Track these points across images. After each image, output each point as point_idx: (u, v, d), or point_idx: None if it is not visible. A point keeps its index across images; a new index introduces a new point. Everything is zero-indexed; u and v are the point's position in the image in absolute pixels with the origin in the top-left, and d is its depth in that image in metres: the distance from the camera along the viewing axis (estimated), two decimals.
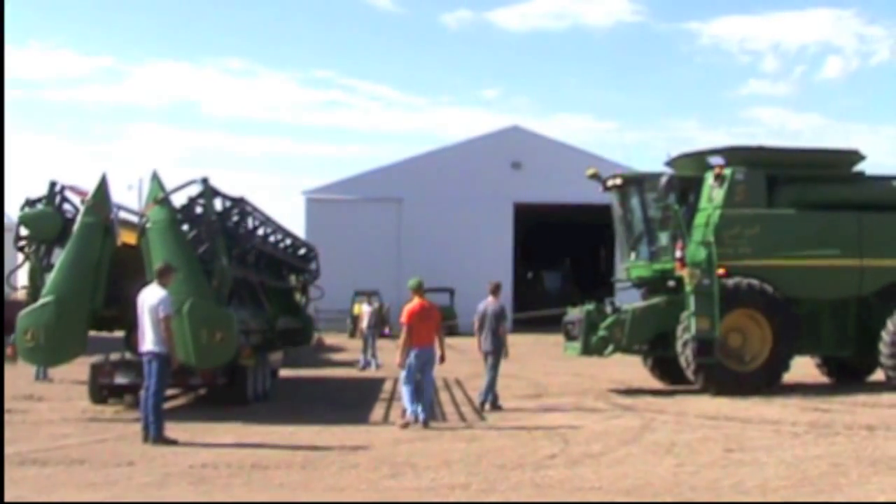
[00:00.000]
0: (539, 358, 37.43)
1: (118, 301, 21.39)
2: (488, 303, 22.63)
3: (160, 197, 20.31)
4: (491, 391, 21.96)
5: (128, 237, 20.75)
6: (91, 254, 19.89)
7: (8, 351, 20.34)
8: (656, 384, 26.53)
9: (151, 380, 16.97)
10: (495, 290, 22.96)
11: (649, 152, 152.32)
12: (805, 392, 23.79)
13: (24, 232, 21.05)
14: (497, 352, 22.26)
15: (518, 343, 41.21)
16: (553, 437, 17.42)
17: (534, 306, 65.76)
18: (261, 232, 26.14)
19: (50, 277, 20.09)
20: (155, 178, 20.67)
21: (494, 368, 22.12)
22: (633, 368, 29.04)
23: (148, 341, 17.08)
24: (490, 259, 59.87)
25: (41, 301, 19.78)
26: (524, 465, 14.57)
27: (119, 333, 23.08)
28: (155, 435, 16.65)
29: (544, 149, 62.10)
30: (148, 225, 20.17)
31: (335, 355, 40.29)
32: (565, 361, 30.69)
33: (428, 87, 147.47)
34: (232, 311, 20.59)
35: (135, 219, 22.89)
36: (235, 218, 22.81)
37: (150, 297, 17.22)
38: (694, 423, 19.25)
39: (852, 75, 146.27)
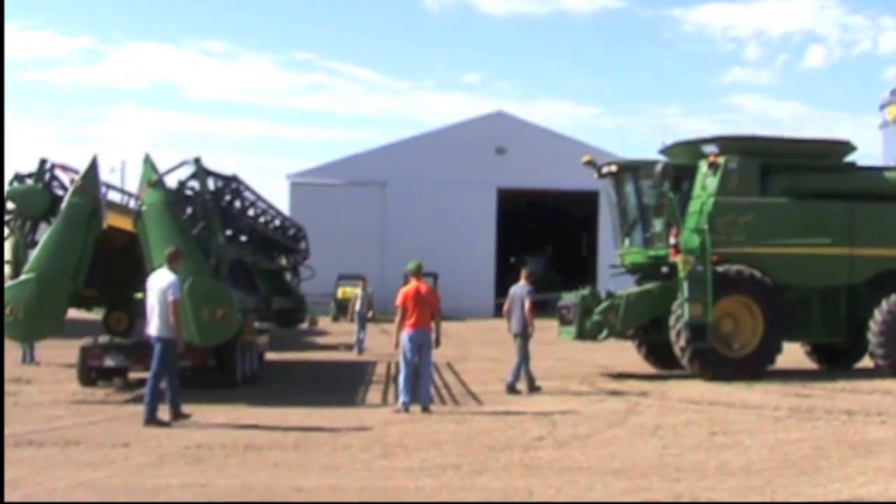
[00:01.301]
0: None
1: (100, 282, 21.65)
2: (518, 286, 23.09)
3: (154, 179, 20.46)
4: (519, 373, 22.40)
5: (114, 220, 20.92)
6: (76, 234, 19.93)
7: None
8: (640, 369, 26.79)
9: (154, 362, 17.21)
10: (528, 275, 23.34)
11: (631, 138, 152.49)
12: (787, 378, 24.05)
13: (10, 206, 21.17)
14: (524, 334, 22.60)
15: (500, 328, 41.45)
16: (540, 419, 17.67)
17: None
18: (252, 211, 26.32)
19: (33, 254, 20.19)
20: (147, 161, 20.81)
21: (522, 350, 22.50)
22: (616, 353, 29.33)
23: (154, 325, 17.24)
24: (473, 244, 60.17)
25: (23, 277, 19.85)
26: (513, 447, 14.81)
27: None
28: (148, 417, 16.85)
29: (529, 135, 62.22)
30: (143, 208, 20.32)
31: (320, 339, 40.45)
32: (550, 346, 30.85)
33: (410, 71, 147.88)
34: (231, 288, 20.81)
35: (123, 201, 23.18)
36: (228, 196, 23.00)
37: (159, 281, 17.42)
38: (678, 408, 19.53)
39: (835, 64, 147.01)
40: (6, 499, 10.87)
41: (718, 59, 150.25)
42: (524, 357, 22.41)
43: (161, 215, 20.25)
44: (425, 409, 18.60)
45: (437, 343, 19.59)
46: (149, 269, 19.75)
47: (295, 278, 33.16)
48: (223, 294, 20.12)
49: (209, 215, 21.36)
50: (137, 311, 25.03)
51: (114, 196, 23.50)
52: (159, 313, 17.13)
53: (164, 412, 17.01)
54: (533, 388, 22.16)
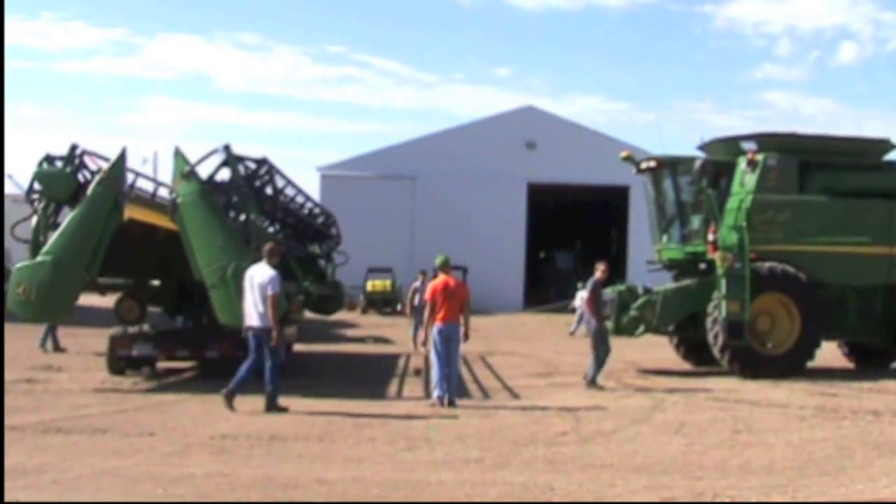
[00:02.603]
0: (549, 337, 37.64)
1: (115, 269, 21.84)
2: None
3: (186, 171, 20.60)
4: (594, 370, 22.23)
5: (136, 213, 21.06)
6: (96, 223, 20.12)
7: None
8: (668, 366, 26.77)
9: (253, 354, 17.87)
10: (603, 270, 23.26)
11: (661, 133, 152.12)
12: (814, 377, 24.00)
13: (36, 186, 21.34)
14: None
15: (528, 323, 41.55)
16: (564, 415, 17.70)
17: (546, 286, 66.05)
18: (284, 196, 26.35)
19: (52, 237, 20.40)
20: (178, 154, 20.95)
21: (594, 347, 22.39)
22: (645, 350, 29.30)
23: (253, 316, 17.79)
24: (503, 238, 60.07)
25: (39, 259, 20.06)
26: (536, 442, 14.87)
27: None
28: (269, 404, 17.65)
29: (559, 129, 62.08)
30: (179, 200, 20.45)
31: (348, 331, 40.53)
32: (576, 341, 30.96)
33: (440, 65, 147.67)
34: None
35: (155, 191, 23.33)
36: (260, 181, 23.07)
37: (258, 275, 17.93)
38: (703, 405, 19.52)
39: (867, 61, 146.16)
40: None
41: (749, 54, 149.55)
42: (595, 353, 22.30)
43: (197, 205, 20.40)
44: (451, 403, 18.68)
45: (466, 337, 19.59)
46: (191, 260, 20.06)
47: (329, 265, 33.08)
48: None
49: (245, 200, 21.53)
50: (148, 300, 25.25)
51: (146, 186, 23.67)
52: (258, 306, 17.72)
53: (188, 401, 17.09)
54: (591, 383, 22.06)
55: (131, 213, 20.64)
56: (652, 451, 14.45)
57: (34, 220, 21.31)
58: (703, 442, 15.25)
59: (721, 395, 21.05)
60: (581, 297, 41.22)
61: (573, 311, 26.07)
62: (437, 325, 19.18)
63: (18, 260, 21.74)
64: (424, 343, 19.88)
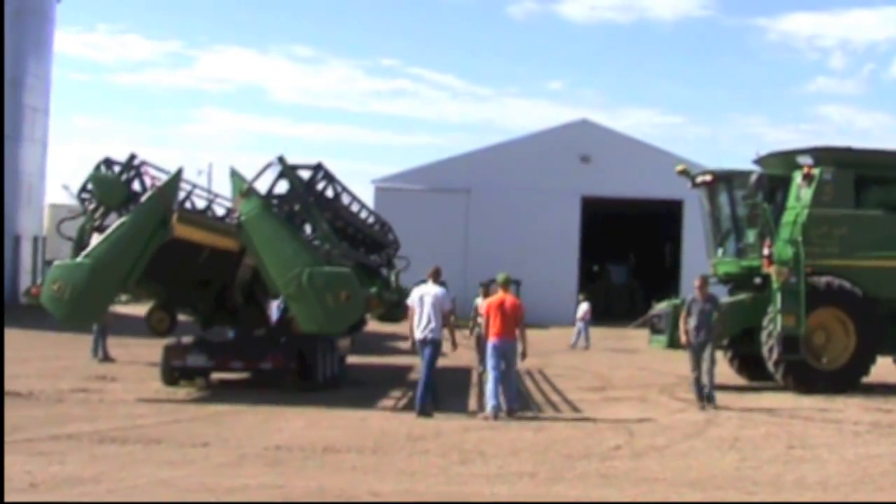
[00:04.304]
0: (604, 351, 37.54)
1: (154, 280, 22.03)
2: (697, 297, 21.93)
3: (245, 189, 20.72)
4: (713, 380, 21.48)
5: (184, 232, 21.25)
6: (141, 236, 20.18)
7: (33, 289, 20.88)
8: (722, 380, 26.56)
9: (426, 362, 19.44)
10: (703, 284, 22.00)
11: (715, 147, 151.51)
12: (869, 392, 23.80)
13: (89, 187, 21.49)
14: (705, 344, 21.38)
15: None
16: (618, 429, 17.66)
17: (599, 300, 65.92)
18: (343, 199, 26.36)
19: (96, 241, 20.53)
20: (234, 174, 21.09)
21: (707, 360, 21.38)
22: None
23: (426, 329, 19.36)
24: (556, 252, 59.87)
25: (79, 260, 20.20)
26: (590, 456, 14.84)
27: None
28: (420, 409, 19.02)
29: (613, 143, 61.85)
30: (242, 218, 20.57)
31: (401, 343, 40.49)
32: (630, 355, 30.89)
33: (494, 78, 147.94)
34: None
35: (209, 202, 23.51)
36: (321, 185, 23.16)
37: (428, 294, 19.65)
38: (757, 420, 19.41)
39: None
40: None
41: (803, 68, 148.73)
42: (708, 367, 21.43)
43: (261, 220, 20.53)
44: (511, 412, 18.88)
45: (524, 356, 19.82)
46: (265, 275, 20.31)
47: (392, 271, 32.97)
48: (342, 276, 20.37)
49: (307, 207, 21.64)
50: (177, 312, 25.35)
51: (199, 201, 23.89)
52: (431, 320, 19.35)
53: (244, 412, 17.17)
54: (703, 397, 21.27)
55: (180, 231, 20.76)
56: (706, 466, 14.38)
57: (81, 220, 21.54)
58: (757, 457, 15.17)
59: (775, 410, 20.92)
60: (583, 309, 41.30)
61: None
62: (493, 340, 19.40)
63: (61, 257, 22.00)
64: (480, 357, 21.20)
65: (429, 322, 19.40)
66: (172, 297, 24.69)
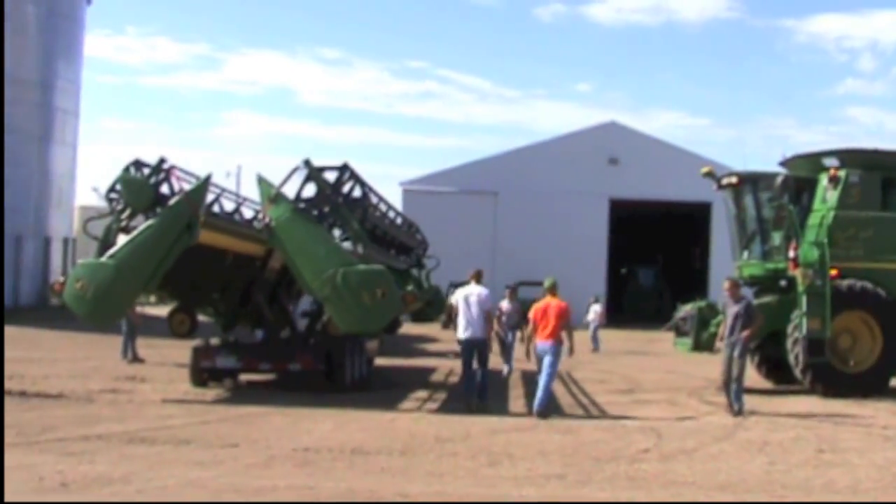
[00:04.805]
0: (633, 354, 37.45)
1: (177, 283, 22.10)
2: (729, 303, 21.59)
3: (273, 194, 20.77)
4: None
5: (210, 238, 21.37)
6: (165, 240, 20.20)
7: (56, 285, 20.97)
8: (750, 383, 26.48)
9: (482, 360, 20.55)
10: (730, 286, 21.65)
11: (743, 149, 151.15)
12: None
13: (117, 188, 21.58)
14: (734, 346, 20.91)
15: (611, 339, 41.34)
16: (647, 431, 17.63)
17: (627, 302, 65.79)
18: (371, 198, 26.38)
19: (121, 242, 20.65)
20: (261, 181, 21.15)
21: (736, 364, 20.89)
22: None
23: (471, 329, 20.28)
24: (584, 254, 59.80)
25: (103, 259, 20.29)
26: (619, 459, 14.81)
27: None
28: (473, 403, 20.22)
29: (642, 145, 61.78)
30: (273, 224, 20.63)
31: (429, 346, 40.56)
32: (659, 358, 30.83)
33: (521, 80, 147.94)
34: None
35: (234, 209, 23.58)
36: (347, 186, 23.20)
37: (472, 294, 20.53)
38: (786, 423, 19.32)
39: None
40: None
41: (832, 70, 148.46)
42: (740, 367, 20.96)
43: (291, 224, 20.61)
44: (540, 415, 19.18)
45: (571, 351, 21.59)
46: (299, 280, 20.45)
47: (422, 271, 32.87)
48: (377, 274, 20.39)
49: (336, 208, 21.67)
50: (198, 314, 25.43)
51: (228, 203, 23.96)
52: (476, 320, 20.27)
53: (272, 414, 17.20)
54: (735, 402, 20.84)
55: (204, 238, 20.85)
56: (735, 469, 14.34)
57: (108, 220, 21.65)
58: (786, 461, 15.12)
59: (805, 413, 20.83)
60: (595, 311, 40.91)
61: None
62: (539, 342, 20.05)
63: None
64: (528, 357, 21.60)
65: (473, 322, 20.29)
66: (195, 300, 24.76)
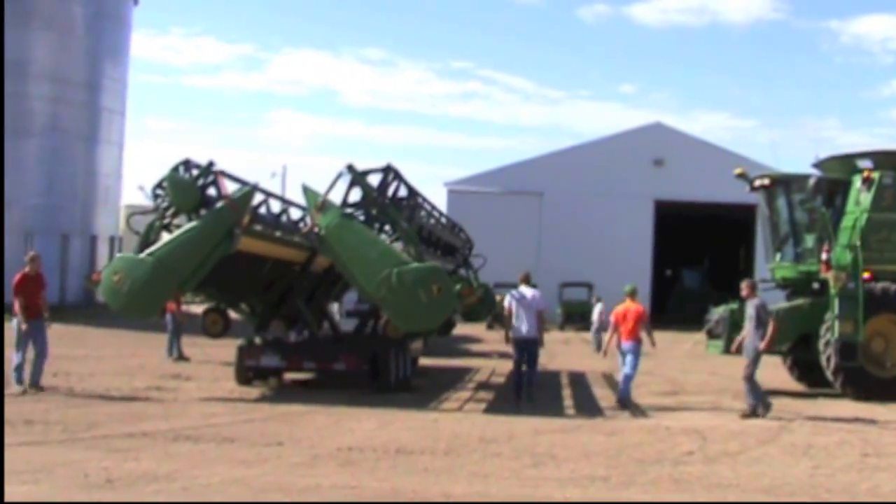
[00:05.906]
0: (677, 356, 37.27)
1: (216, 285, 22.19)
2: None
3: (320, 203, 20.85)
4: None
5: (250, 245, 21.47)
6: (206, 245, 20.30)
7: (94, 276, 21.20)
8: (794, 386, 26.40)
9: (531, 358, 21.64)
10: (744, 288, 21.65)
11: (788, 152, 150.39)
12: None
13: (164, 185, 21.69)
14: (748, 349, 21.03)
15: (657, 340, 41.16)
16: (691, 434, 17.57)
17: (672, 304, 65.50)
18: (417, 199, 26.38)
19: (162, 240, 20.80)
20: (307, 190, 21.30)
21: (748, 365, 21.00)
22: (770, 370, 28.87)
23: (528, 328, 21.37)
24: (629, 255, 59.65)
25: (142, 256, 20.40)
26: (662, 461, 14.77)
27: None
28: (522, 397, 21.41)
29: (687, 147, 61.61)
30: (322, 232, 20.72)
31: (474, 346, 40.54)
32: (703, 360, 30.66)
33: (565, 81, 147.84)
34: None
35: (280, 212, 23.67)
36: (393, 186, 23.22)
37: (525, 295, 21.61)
38: (831, 427, 19.21)
39: None
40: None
41: (877, 71, 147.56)
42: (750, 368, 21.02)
43: (342, 230, 20.72)
44: (623, 405, 21.21)
45: (653, 345, 22.35)
46: (355, 285, 21.27)
47: (469, 270, 32.85)
48: (431, 271, 20.49)
49: (384, 209, 21.73)
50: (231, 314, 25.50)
51: (273, 205, 24.05)
52: (531, 320, 21.41)
53: (316, 413, 17.22)
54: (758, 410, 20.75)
55: (245, 245, 20.94)
56: (779, 472, 14.27)
57: (152, 217, 21.79)
58: (830, 465, 15.03)
59: (849, 417, 20.70)
60: (598, 311, 40.63)
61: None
62: (622, 343, 21.74)
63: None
64: (605, 355, 24.24)
65: (527, 322, 21.42)
66: (231, 301, 24.84)
